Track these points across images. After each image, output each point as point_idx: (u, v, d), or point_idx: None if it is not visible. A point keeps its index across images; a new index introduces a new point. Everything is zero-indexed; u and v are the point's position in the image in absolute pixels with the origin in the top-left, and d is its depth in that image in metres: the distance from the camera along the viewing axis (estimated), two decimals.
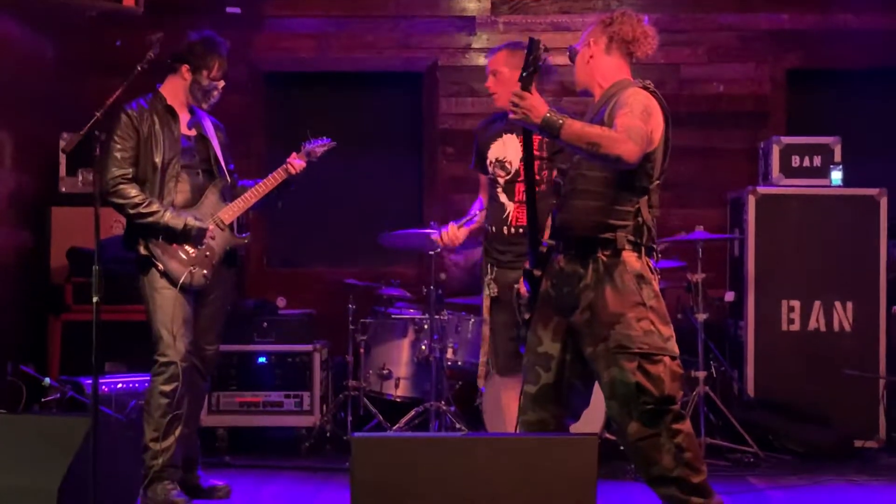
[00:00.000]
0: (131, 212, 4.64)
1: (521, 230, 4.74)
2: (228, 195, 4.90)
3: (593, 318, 3.71)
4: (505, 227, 4.80)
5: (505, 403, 4.91)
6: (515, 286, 4.02)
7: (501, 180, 4.82)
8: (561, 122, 3.53)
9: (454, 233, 4.88)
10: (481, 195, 5.01)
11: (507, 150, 4.83)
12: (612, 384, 3.70)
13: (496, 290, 4.78)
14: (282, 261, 7.33)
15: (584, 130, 3.56)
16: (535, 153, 4.73)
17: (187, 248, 4.69)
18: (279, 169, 4.95)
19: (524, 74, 3.60)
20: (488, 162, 4.86)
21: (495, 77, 4.82)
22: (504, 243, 4.80)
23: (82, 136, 4.12)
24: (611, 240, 3.71)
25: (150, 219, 4.64)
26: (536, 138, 4.72)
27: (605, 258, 3.72)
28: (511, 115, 3.62)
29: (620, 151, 3.52)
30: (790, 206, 6.35)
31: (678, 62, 6.99)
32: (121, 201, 4.64)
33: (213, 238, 4.76)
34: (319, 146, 5.07)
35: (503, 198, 4.82)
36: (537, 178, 4.73)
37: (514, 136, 4.77)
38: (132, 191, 4.65)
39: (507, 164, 4.82)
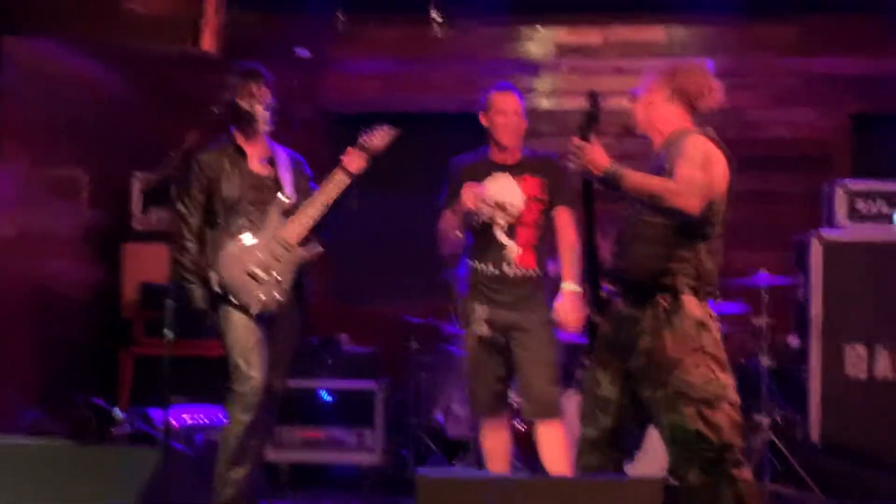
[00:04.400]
0: (176, 266, 4.72)
1: (526, 273, 4.79)
2: (293, 214, 4.84)
3: (651, 362, 3.72)
4: (508, 269, 4.81)
5: (490, 447, 4.94)
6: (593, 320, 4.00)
7: (503, 222, 4.83)
8: (622, 173, 3.57)
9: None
10: (449, 229, 4.86)
11: (505, 192, 4.84)
12: (671, 430, 3.70)
13: (488, 329, 4.77)
14: (344, 297, 7.41)
15: (645, 183, 3.59)
16: (539, 196, 4.80)
17: (257, 273, 4.72)
18: (337, 173, 4.80)
19: (585, 125, 3.65)
20: (484, 205, 4.81)
21: (517, 117, 4.91)
22: (506, 284, 4.80)
23: (159, 175, 4.23)
24: (671, 285, 3.72)
25: (186, 284, 4.72)
26: (534, 179, 4.78)
27: (664, 303, 3.72)
28: (570, 166, 3.66)
29: (682, 205, 3.55)
30: (855, 250, 6.31)
31: (741, 106, 6.99)
32: (176, 254, 4.73)
33: (279, 261, 4.76)
34: (378, 136, 4.85)
35: (505, 239, 4.83)
36: (537, 220, 4.82)
37: (509, 175, 4.82)
38: (190, 249, 4.73)
39: (508, 207, 4.82)
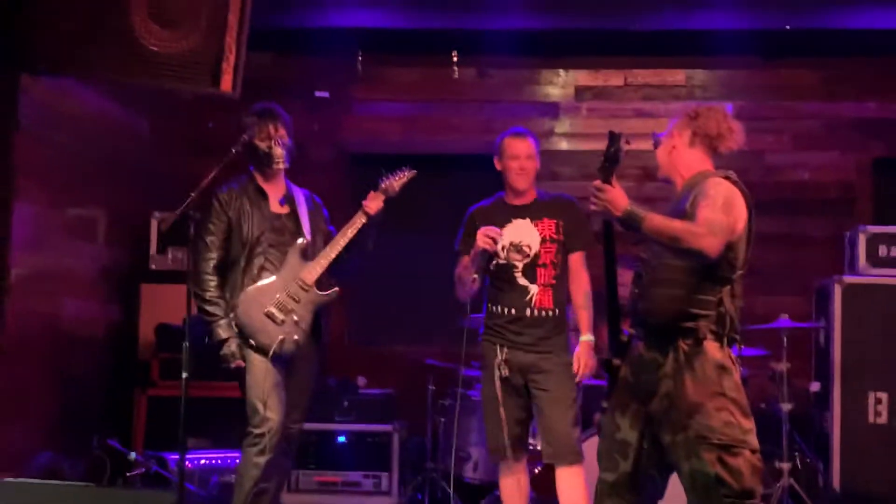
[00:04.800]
0: (198, 303, 4.71)
1: (545, 313, 4.81)
2: (311, 255, 4.86)
3: (672, 406, 3.68)
4: (528, 310, 4.82)
5: (507, 490, 4.91)
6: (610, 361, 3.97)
7: (520, 264, 4.85)
8: (642, 215, 3.58)
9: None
10: (465, 273, 4.87)
11: (521, 234, 4.87)
12: (691, 475, 3.66)
13: (507, 371, 4.78)
14: (362, 339, 7.38)
15: (666, 224, 3.59)
16: (554, 237, 4.79)
17: (276, 314, 4.72)
18: (357, 214, 4.87)
19: (605, 166, 3.64)
20: (500, 247, 4.85)
21: (530, 161, 4.94)
22: (524, 326, 4.81)
23: (178, 215, 4.23)
24: (692, 329, 3.70)
25: (206, 317, 4.71)
26: (550, 221, 4.79)
27: (686, 347, 3.70)
28: (592, 207, 3.67)
29: (702, 246, 3.54)
30: (877, 295, 6.25)
31: (763, 149, 6.98)
32: (196, 289, 4.71)
33: (297, 302, 4.75)
34: (397, 179, 4.92)
35: (523, 280, 4.84)
36: (554, 261, 4.82)
37: (528, 220, 4.87)
38: (210, 284, 4.72)
39: (524, 248, 4.85)
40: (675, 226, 3.60)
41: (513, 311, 4.83)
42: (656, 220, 3.59)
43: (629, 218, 3.60)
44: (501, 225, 4.89)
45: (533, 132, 7.06)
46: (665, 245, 3.63)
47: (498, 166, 5.02)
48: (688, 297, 3.71)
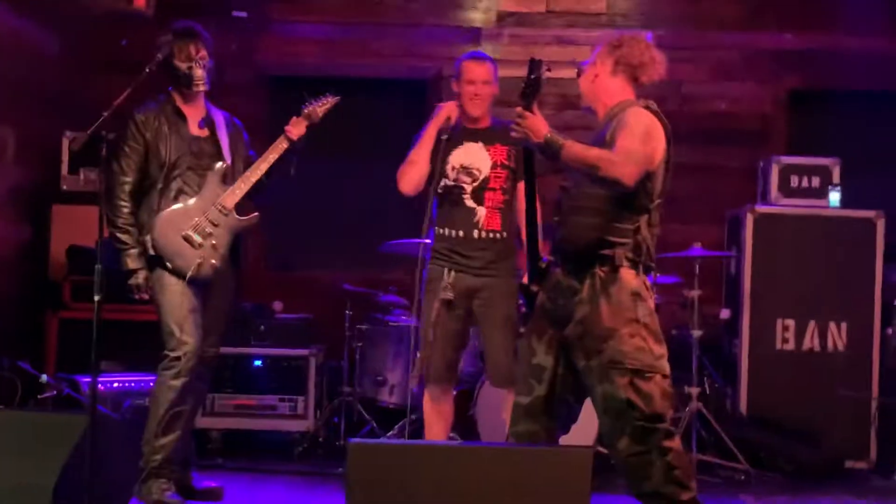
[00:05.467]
0: (110, 228, 4.64)
1: (492, 235, 4.81)
2: (231, 180, 4.80)
3: (586, 332, 3.74)
4: (476, 231, 4.81)
5: (432, 414, 4.92)
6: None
7: (468, 187, 4.84)
8: (561, 143, 3.61)
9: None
10: (415, 172, 4.87)
11: (471, 157, 4.86)
12: (603, 399, 3.73)
13: (452, 294, 4.77)
14: (280, 264, 7.35)
15: (584, 153, 3.63)
16: (506, 163, 4.81)
17: (193, 237, 4.66)
18: (278, 139, 4.81)
19: (526, 93, 3.64)
20: (450, 168, 4.85)
21: (487, 86, 4.88)
22: (473, 248, 4.80)
23: (89, 135, 4.14)
24: (609, 256, 3.74)
25: (117, 244, 4.65)
26: (502, 147, 4.79)
27: (602, 274, 3.74)
28: (512, 134, 3.69)
29: (618, 174, 3.58)
30: (788, 226, 6.38)
31: (680, 79, 7.01)
32: (109, 214, 4.64)
33: (216, 226, 4.70)
34: (320, 105, 4.86)
35: (471, 202, 4.83)
36: (504, 186, 4.82)
37: (480, 145, 4.85)
38: (123, 210, 4.66)
39: (474, 171, 4.84)
40: (593, 154, 3.63)
41: (460, 232, 4.81)
42: (575, 149, 3.62)
43: (548, 145, 3.62)
44: (454, 146, 4.86)
45: (455, 57, 7.12)
46: (583, 173, 3.66)
47: (455, 88, 4.96)
48: (606, 225, 3.75)
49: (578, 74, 3.99)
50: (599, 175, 3.60)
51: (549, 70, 3.71)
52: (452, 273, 4.79)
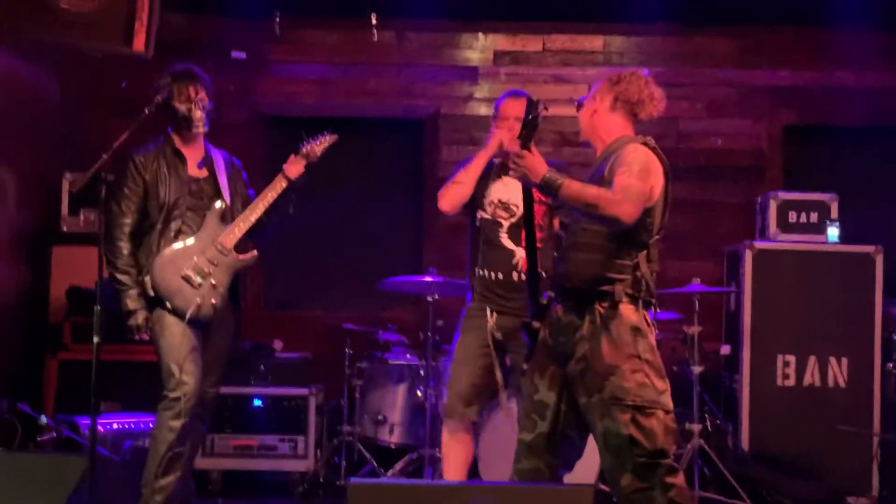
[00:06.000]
0: (110, 269, 4.65)
1: None
2: (230, 219, 4.82)
3: (588, 368, 3.73)
4: (515, 273, 4.82)
5: (454, 454, 4.91)
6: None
7: (505, 223, 4.85)
8: (559, 182, 3.62)
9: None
10: (460, 192, 4.89)
11: (510, 192, 4.85)
12: (605, 435, 3.72)
13: (500, 334, 4.78)
14: (279, 303, 7.35)
15: (583, 192, 3.63)
16: (543, 199, 4.79)
17: (193, 278, 4.67)
18: (277, 178, 4.84)
19: (523, 133, 3.67)
20: (487, 202, 4.88)
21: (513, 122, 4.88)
22: (511, 290, 4.81)
23: (89, 176, 4.16)
24: (609, 292, 3.75)
25: (116, 285, 4.66)
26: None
27: (602, 310, 3.75)
28: (511, 173, 3.71)
29: (617, 213, 3.60)
30: (787, 261, 6.39)
31: (677, 115, 7.06)
32: (108, 255, 4.65)
33: (215, 266, 4.71)
34: (318, 144, 4.89)
35: (509, 244, 4.84)
36: (541, 223, 4.80)
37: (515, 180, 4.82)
38: (123, 251, 4.67)
39: (511, 207, 4.85)
40: (591, 193, 3.64)
41: (499, 275, 4.82)
42: (573, 188, 3.63)
43: (546, 185, 3.64)
44: (492, 181, 4.87)
45: (452, 96, 7.21)
46: (581, 212, 3.68)
47: (494, 126, 4.97)
48: (605, 261, 3.76)
49: (578, 109, 4.01)
50: (598, 213, 3.62)
51: (546, 109, 3.74)
52: (495, 314, 4.80)
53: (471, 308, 4.94)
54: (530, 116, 3.69)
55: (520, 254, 4.80)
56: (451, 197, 4.87)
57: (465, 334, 4.89)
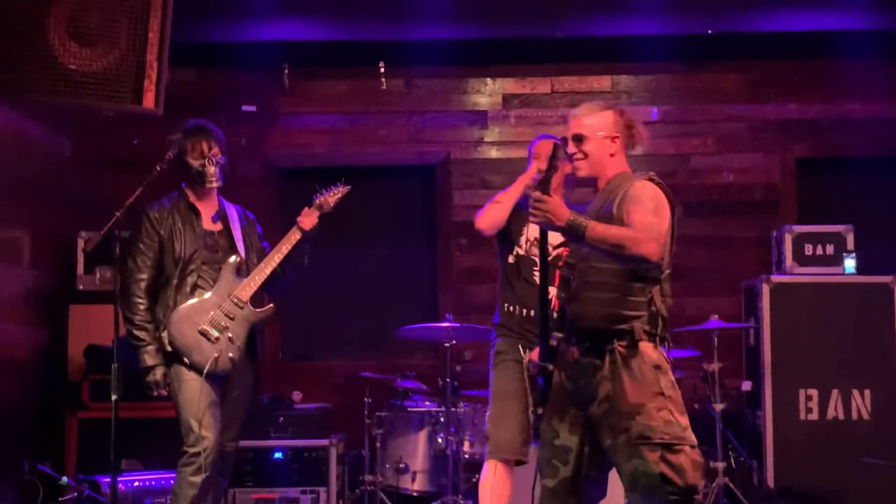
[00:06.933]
0: (127, 326, 4.66)
1: None
2: (245, 272, 4.83)
3: (612, 409, 3.70)
4: (548, 311, 4.78)
5: (495, 494, 4.79)
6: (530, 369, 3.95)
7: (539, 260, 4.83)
8: (585, 224, 3.56)
9: None
10: (498, 212, 4.90)
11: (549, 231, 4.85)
12: (634, 476, 3.67)
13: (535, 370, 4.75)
14: (297, 354, 7.33)
15: (608, 233, 3.59)
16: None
17: (210, 332, 4.67)
18: (291, 230, 4.86)
19: (545, 177, 3.62)
20: (524, 239, 4.88)
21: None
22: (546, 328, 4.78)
23: (103, 234, 4.17)
24: (627, 331, 3.71)
25: (134, 342, 4.65)
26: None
27: (622, 349, 3.71)
28: (532, 219, 3.63)
29: (644, 252, 3.56)
30: (804, 294, 6.36)
31: (688, 152, 7.06)
32: (125, 312, 4.66)
33: (232, 319, 4.71)
34: (332, 195, 4.93)
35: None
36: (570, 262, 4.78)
37: None
38: (139, 307, 4.66)
39: (547, 245, 4.83)
40: (617, 233, 3.60)
41: (532, 311, 4.77)
42: (598, 229, 3.58)
43: (571, 228, 3.58)
44: (526, 221, 4.82)
45: (462, 141, 7.23)
46: (607, 252, 3.63)
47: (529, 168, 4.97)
48: (620, 299, 3.73)
49: (581, 140, 3.87)
50: (626, 254, 3.57)
51: (566, 151, 3.70)
52: (527, 351, 4.75)
53: (500, 344, 4.89)
54: (553, 160, 3.65)
55: (553, 292, 4.78)
56: (490, 216, 4.87)
57: (504, 371, 4.81)
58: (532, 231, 4.86)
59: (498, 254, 5.02)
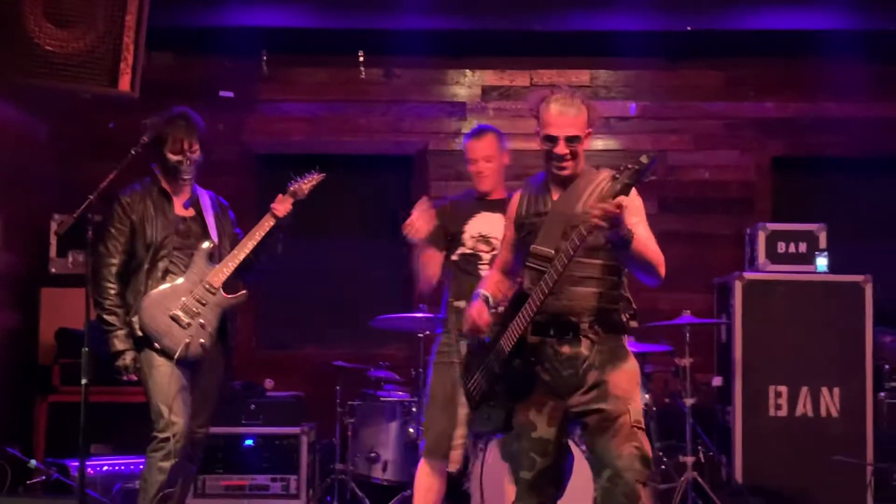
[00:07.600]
0: (97, 310, 4.64)
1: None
2: (218, 258, 4.81)
3: (605, 396, 3.73)
4: (492, 303, 4.79)
5: (424, 487, 4.90)
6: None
7: (487, 255, 4.84)
8: (633, 235, 3.60)
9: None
10: (428, 270, 4.88)
11: (490, 226, 4.85)
12: (631, 459, 3.71)
13: None
14: (270, 342, 7.32)
15: (648, 247, 3.70)
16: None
17: (181, 317, 4.66)
18: (265, 217, 4.85)
19: (624, 186, 3.44)
20: (468, 236, 4.87)
21: (489, 162, 4.87)
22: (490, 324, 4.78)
23: (75, 218, 4.15)
24: (617, 321, 3.79)
25: (104, 326, 4.63)
26: None
27: (608, 339, 3.77)
28: (596, 222, 3.48)
29: (663, 273, 3.75)
30: (777, 291, 6.39)
31: (665, 148, 7.07)
32: (95, 296, 4.64)
33: (204, 305, 4.71)
34: (306, 182, 4.92)
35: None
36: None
37: (499, 215, 4.69)
38: (110, 292, 4.64)
39: (492, 240, 4.83)
40: (654, 250, 3.71)
41: None
42: (640, 243, 3.65)
43: (628, 236, 3.58)
44: (471, 215, 4.86)
45: (440, 132, 7.22)
46: (636, 262, 3.68)
47: (468, 166, 4.98)
48: (607, 292, 3.79)
49: (575, 139, 3.82)
50: (654, 272, 3.73)
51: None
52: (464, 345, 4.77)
53: (442, 343, 4.91)
54: (643, 169, 3.43)
55: (496, 278, 4.78)
56: (424, 279, 4.88)
57: (441, 374, 4.86)
58: (474, 227, 4.86)
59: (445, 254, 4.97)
